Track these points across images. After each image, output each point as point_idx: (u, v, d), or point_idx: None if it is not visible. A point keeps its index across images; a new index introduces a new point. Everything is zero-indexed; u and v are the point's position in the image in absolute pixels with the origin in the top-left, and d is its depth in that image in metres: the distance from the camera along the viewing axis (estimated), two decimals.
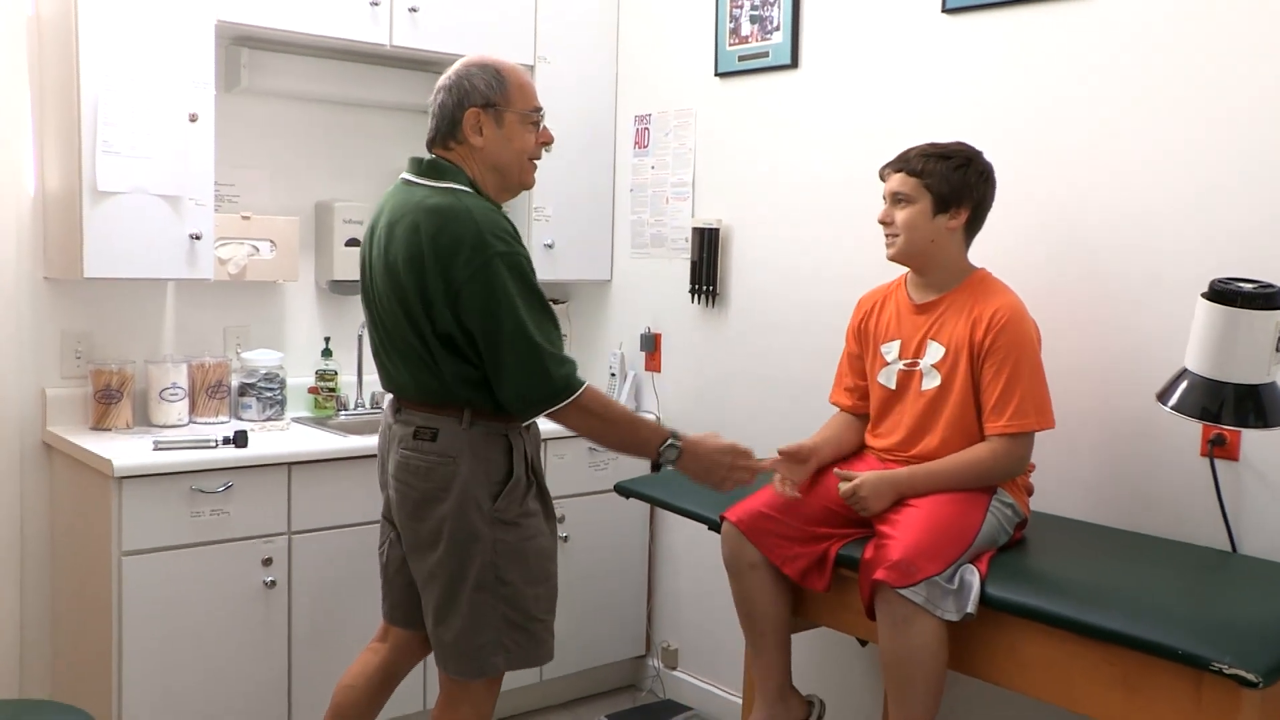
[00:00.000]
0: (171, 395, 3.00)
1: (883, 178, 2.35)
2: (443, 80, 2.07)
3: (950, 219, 2.27)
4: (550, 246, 3.46)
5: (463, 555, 2.03)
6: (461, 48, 3.28)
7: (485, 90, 2.03)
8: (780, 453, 2.29)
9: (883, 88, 2.91)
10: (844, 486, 2.22)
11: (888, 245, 2.33)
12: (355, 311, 3.45)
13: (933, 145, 2.31)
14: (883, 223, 2.33)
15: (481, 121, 2.03)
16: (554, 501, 2.21)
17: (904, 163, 2.30)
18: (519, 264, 1.96)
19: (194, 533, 2.63)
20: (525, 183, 2.13)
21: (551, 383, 1.97)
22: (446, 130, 2.05)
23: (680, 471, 2.10)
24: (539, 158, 2.13)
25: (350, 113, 3.43)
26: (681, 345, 3.49)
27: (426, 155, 2.11)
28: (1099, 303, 2.46)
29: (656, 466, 2.05)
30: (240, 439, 2.75)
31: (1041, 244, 2.56)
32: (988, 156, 2.35)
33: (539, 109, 2.09)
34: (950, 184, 2.25)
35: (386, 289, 2.06)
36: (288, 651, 2.81)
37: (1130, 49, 2.41)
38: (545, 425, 2.16)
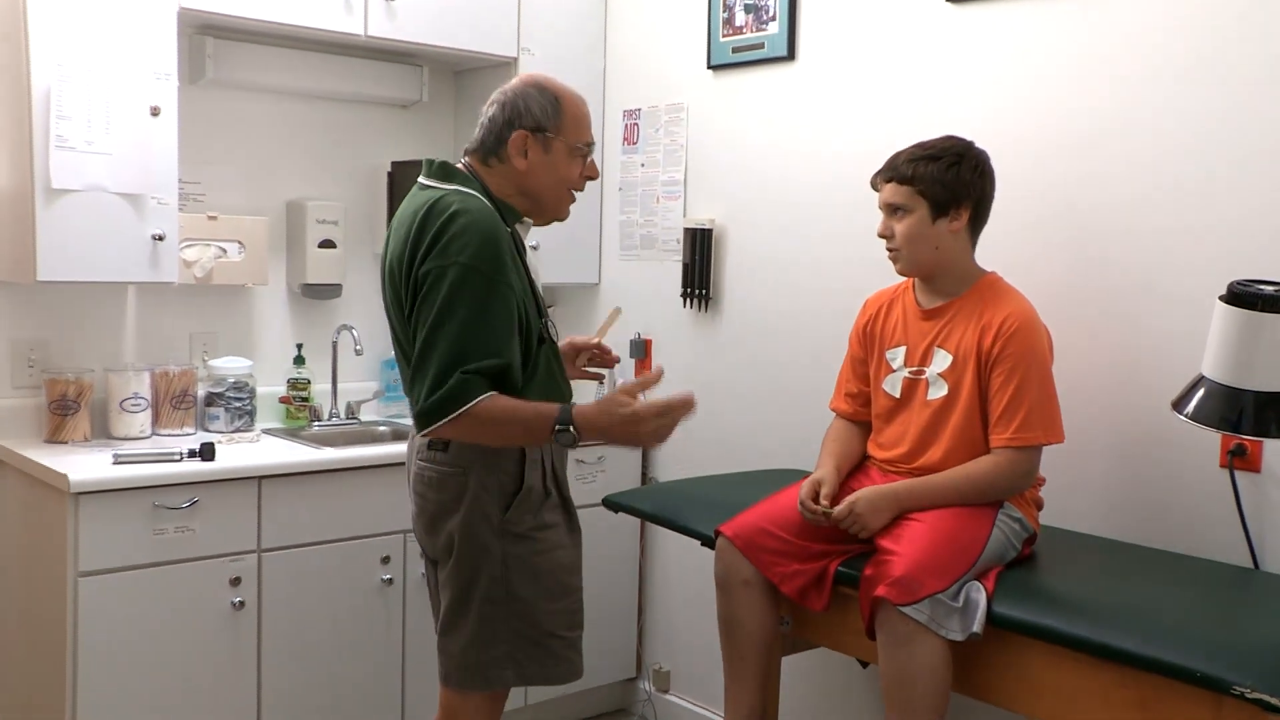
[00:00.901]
0: (133, 406, 2.98)
1: (875, 188, 2.34)
2: (497, 94, 2.11)
3: (951, 222, 2.26)
4: (535, 248, 3.45)
5: (472, 568, 2.04)
6: (441, 39, 3.28)
7: (539, 114, 2.06)
8: (823, 513, 2.23)
9: (885, 81, 2.90)
10: (838, 509, 2.21)
11: (892, 260, 2.33)
12: (329, 316, 3.44)
13: (920, 146, 2.30)
14: (882, 236, 2.32)
15: (529, 145, 2.06)
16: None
17: (893, 170, 2.29)
18: (481, 283, 1.93)
19: (157, 551, 2.61)
20: (560, 214, 2.16)
21: (417, 405, 1.94)
22: (491, 146, 2.08)
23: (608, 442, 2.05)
24: (580, 189, 2.16)
25: (323, 107, 3.42)
26: (673, 352, 3.48)
27: (437, 159, 2.14)
28: (1112, 306, 2.45)
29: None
30: (207, 452, 2.73)
31: (1052, 245, 2.55)
32: (995, 154, 2.35)
33: (591, 143, 2.12)
34: (945, 185, 2.24)
35: (389, 294, 2.10)
36: (257, 677, 2.78)
37: (1143, 39, 2.41)
38: None
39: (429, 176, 2.10)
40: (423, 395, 1.94)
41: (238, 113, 3.26)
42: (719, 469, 3.23)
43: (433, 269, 1.95)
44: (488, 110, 2.11)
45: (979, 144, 2.34)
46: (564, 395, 2.14)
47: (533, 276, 2.13)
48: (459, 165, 2.11)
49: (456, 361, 1.92)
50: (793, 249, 3.13)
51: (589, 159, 2.14)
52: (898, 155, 2.30)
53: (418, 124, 3.61)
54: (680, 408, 2.03)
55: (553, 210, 2.16)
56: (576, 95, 2.13)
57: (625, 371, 3.60)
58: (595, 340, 2.39)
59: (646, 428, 2.00)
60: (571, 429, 1.96)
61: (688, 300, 3.38)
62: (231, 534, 2.71)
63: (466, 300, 1.93)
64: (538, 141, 2.07)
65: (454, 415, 1.92)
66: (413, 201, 2.07)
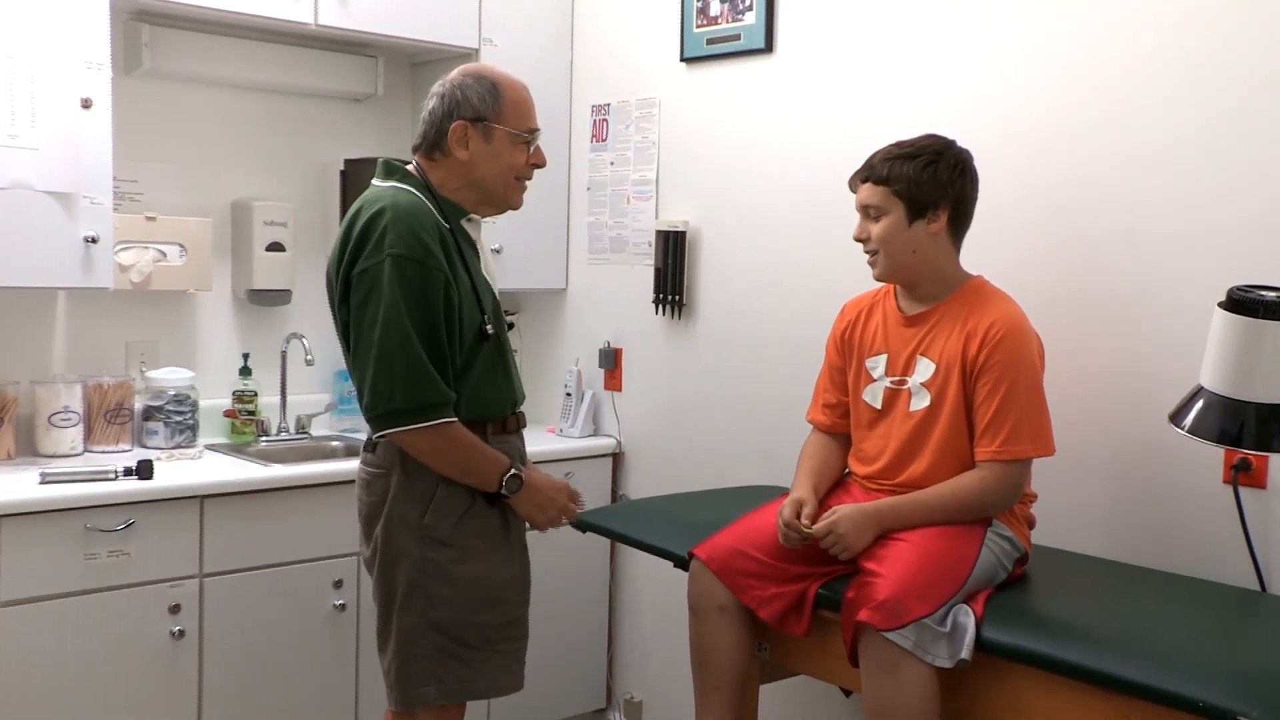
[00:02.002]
0: (63, 421, 2.95)
1: (852, 189, 2.35)
2: (436, 86, 2.19)
3: (929, 224, 2.26)
4: (498, 252, 3.43)
5: (392, 575, 2.13)
6: (396, 28, 3.26)
7: (477, 103, 2.14)
8: (802, 534, 2.23)
9: (868, 74, 2.90)
10: (817, 528, 2.20)
11: (870, 264, 2.33)
12: (277, 324, 3.41)
13: (897, 145, 2.30)
14: (859, 240, 2.33)
15: (469, 135, 2.14)
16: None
17: (869, 170, 2.30)
18: (416, 271, 2.03)
19: (89, 578, 2.58)
20: (511, 202, 2.24)
21: (380, 402, 2.05)
22: (433, 139, 2.16)
23: (512, 505, 2.18)
24: (529, 178, 2.23)
25: (271, 100, 3.39)
26: (645, 362, 3.46)
27: (384, 158, 2.23)
28: (1108, 312, 2.45)
29: (492, 499, 2.16)
30: (144, 469, 2.71)
31: (1043, 248, 2.54)
32: (985, 151, 2.34)
33: (533, 129, 2.20)
34: (921, 185, 2.24)
35: (330, 298, 2.18)
36: (198, 713, 2.75)
37: (1142, 29, 2.41)
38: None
39: (377, 176, 2.18)
40: (393, 395, 2.02)
41: (178, 106, 3.23)
42: (692, 486, 3.21)
43: (368, 266, 2.04)
44: (427, 104, 2.19)
45: (968, 141, 2.34)
46: (503, 396, 2.20)
47: (483, 274, 2.19)
48: (408, 165, 2.19)
49: (415, 363, 2.01)
50: (771, 252, 3.12)
51: (534, 145, 2.20)
52: (874, 155, 2.31)
53: (372, 119, 3.59)
54: (571, 508, 2.25)
55: (503, 199, 2.22)
56: (516, 81, 2.20)
57: (595, 382, 3.58)
58: None
59: (560, 500, 2.21)
60: (517, 479, 2.12)
61: (660, 306, 3.36)
62: (171, 558, 2.69)
63: (407, 291, 2.01)
64: (478, 130, 2.14)
65: (421, 426, 2.02)
66: (355, 204, 2.15)
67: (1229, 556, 2.26)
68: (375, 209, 2.06)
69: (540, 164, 2.23)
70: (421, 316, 2.03)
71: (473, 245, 2.20)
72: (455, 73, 2.19)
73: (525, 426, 2.30)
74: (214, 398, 3.28)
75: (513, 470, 2.12)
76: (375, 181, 2.17)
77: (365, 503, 2.18)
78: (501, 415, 2.20)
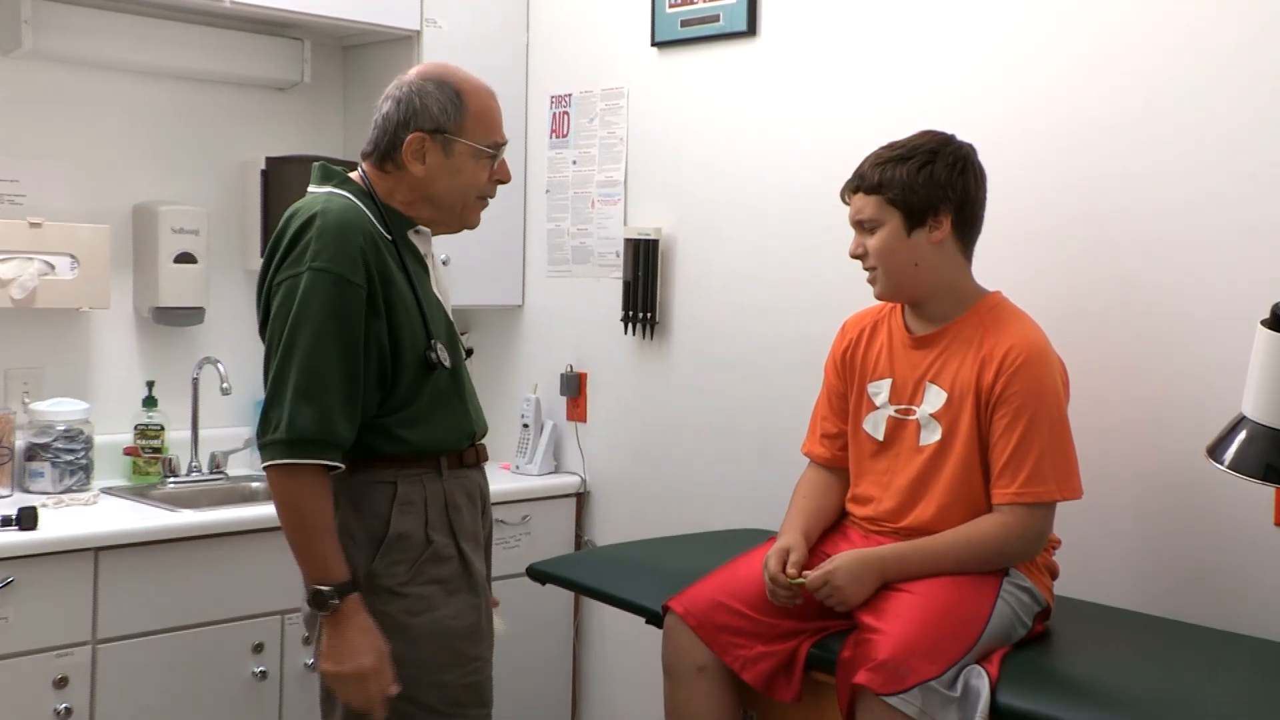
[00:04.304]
0: None
1: (844, 201, 2.37)
2: (392, 88, 2.19)
3: (931, 232, 2.28)
4: (445, 263, 3.42)
5: None
6: (325, 7, 3.28)
7: (437, 113, 2.14)
8: (793, 586, 2.23)
9: (865, 60, 2.93)
10: (812, 578, 2.20)
11: (870, 282, 2.35)
12: (187, 347, 3.40)
13: (888, 147, 2.32)
14: (855, 257, 2.35)
15: (426, 149, 2.15)
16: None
17: (858, 179, 2.32)
18: (338, 288, 2.04)
19: None
20: (467, 222, 2.26)
21: (265, 431, 2.04)
22: (385, 150, 2.17)
23: (319, 642, 2.09)
24: (491, 195, 2.26)
25: (179, 89, 3.39)
26: (613, 388, 3.46)
27: (320, 161, 2.24)
28: (1139, 332, 2.47)
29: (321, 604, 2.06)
30: (26, 518, 2.69)
31: (1061, 261, 2.57)
32: (997, 148, 2.36)
33: (499, 143, 2.21)
34: (916, 190, 2.26)
35: (257, 312, 2.19)
36: None
37: (1172, 15, 2.44)
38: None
39: (313, 181, 2.20)
40: (279, 423, 2.02)
41: (68, 94, 3.22)
42: (667, 530, 3.20)
43: (286, 277, 2.06)
44: (382, 106, 2.19)
45: (976, 137, 2.36)
46: (459, 426, 2.21)
47: (431, 292, 2.20)
48: (352, 172, 2.20)
49: (312, 390, 2.02)
50: (756, 263, 3.13)
51: (499, 160, 2.22)
52: (865, 160, 2.33)
53: (298, 110, 3.59)
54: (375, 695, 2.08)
55: (459, 220, 2.25)
56: (483, 88, 2.21)
57: (556, 412, 3.58)
58: None
59: (373, 685, 2.05)
60: (335, 600, 2.02)
61: (630, 325, 3.37)
62: (58, 623, 2.66)
63: (320, 310, 2.03)
64: (437, 144, 2.15)
65: (291, 461, 2.01)
66: (288, 211, 2.17)
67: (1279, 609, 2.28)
68: (306, 216, 2.08)
69: (505, 180, 2.25)
70: (336, 339, 2.03)
71: (420, 260, 2.21)
72: (414, 74, 2.19)
73: (487, 460, 2.30)
74: (112, 433, 3.26)
75: (334, 589, 2.01)
76: (310, 188, 2.19)
77: None
78: (458, 448, 2.21)
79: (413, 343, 2.12)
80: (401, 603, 2.11)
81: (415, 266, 2.18)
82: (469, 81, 2.19)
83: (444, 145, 2.15)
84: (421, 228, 2.22)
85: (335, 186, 2.15)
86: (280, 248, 2.09)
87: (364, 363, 2.06)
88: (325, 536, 2.05)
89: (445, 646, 2.14)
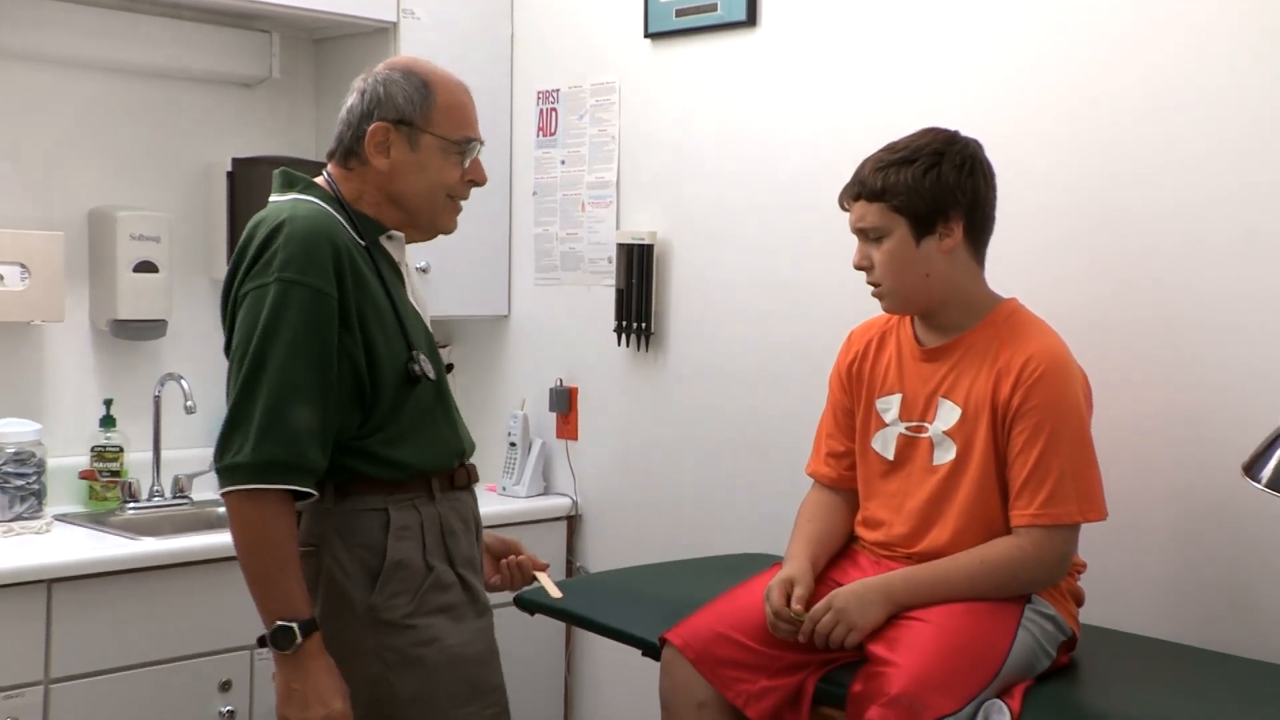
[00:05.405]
0: None
1: (844, 208, 2.37)
2: (358, 80, 2.20)
3: (942, 239, 2.28)
4: (424, 271, 3.43)
5: (342, 675, 2.06)
6: None
7: (402, 102, 2.14)
8: (795, 618, 2.24)
9: (870, 51, 2.93)
10: (815, 609, 2.20)
11: (877, 297, 2.35)
12: (147, 363, 3.40)
13: (889, 149, 2.32)
14: (859, 268, 2.35)
15: (390, 140, 2.15)
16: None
17: (859, 185, 2.31)
18: (307, 300, 2.03)
19: None
20: (441, 225, 2.25)
21: (226, 453, 2.02)
22: (349, 144, 2.17)
23: (274, 677, 2.06)
24: (464, 197, 2.24)
25: (139, 86, 3.39)
26: (606, 403, 3.46)
27: (281, 166, 2.23)
28: (1167, 340, 2.47)
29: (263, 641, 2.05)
30: None
31: (1083, 265, 2.58)
32: (1011, 144, 2.37)
33: (471, 140, 2.20)
34: (924, 195, 2.26)
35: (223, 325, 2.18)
36: None
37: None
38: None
39: (273, 190, 2.20)
40: (242, 445, 2.00)
41: (16, 91, 3.22)
42: (664, 555, 3.19)
43: (252, 288, 2.05)
44: (346, 100, 2.20)
45: (989, 132, 2.37)
46: (447, 445, 2.21)
47: (408, 302, 2.20)
48: (318, 176, 2.20)
49: (277, 410, 2.00)
50: (757, 268, 3.14)
51: (472, 158, 2.21)
52: (864, 164, 2.33)
53: (266, 108, 3.60)
54: None
55: (429, 222, 2.24)
56: (454, 81, 2.20)
57: (545, 430, 3.58)
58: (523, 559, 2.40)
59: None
60: (299, 639, 1.99)
61: (623, 336, 3.37)
62: (7, 661, 2.66)
63: (290, 323, 2.02)
64: (401, 136, 2.15)
65: (253, 487, 1.99)
66: (253, 219, 2.16)
67: None
68: (273, 224, 2.07)
69: (479, 181, 2.23)
70: (307, 355, 2.02)
71: (395, 267, 2.21)
72: (381, 66, 2.20)
73: (478, 481, 2.30)
74: (67, 455, 3.25)
75: (300, 626, 1.99)
76: (273, 197, 2.19)
77: None
78: (448, 468, 2.20)
79: (392, 356, 2.11)
80: (409, 635, 2.09)
81: (390, 274, 2.17)
82: (439, 73, 2.19)
83: (409, 138, 2.14)
84: (394, 233, 2.21)
85: (300, 193, 2.15)
86: (246, 258, 2.08)
87: (338, 379, 2.06)
88: (289, 568, 2.03)
89: (461, 677, 2.12)
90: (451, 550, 2.17)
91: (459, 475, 2.23)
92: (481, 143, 2.23)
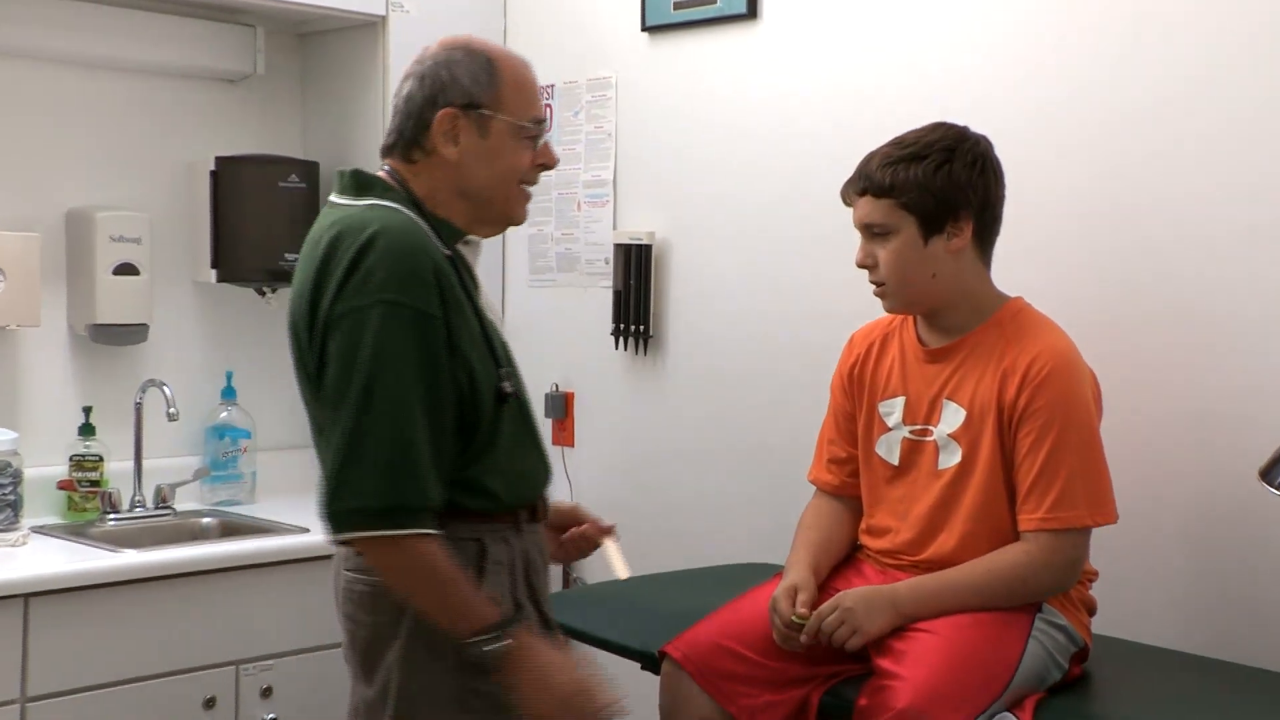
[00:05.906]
0: None
1: (846, 202, 2.37)
2: (411, 66, 2.10)
3: (950, 239, 2.28)
4: None
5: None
6: None
7: (469, 85, 2.05)
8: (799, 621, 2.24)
9: (875, 44, 2.94)
10: (820, 609, 2.20)
11: (879, 297, 2.35)
12: (130, 369, 3.39)
13: (896, 144, 2.32)
14: (862, 266, 2.35)
15: (459, 127, 2.05)
16: None
17: (866, 180, 2.31)
18: (415, 323, 1.95)
19: None
20: (512, 215, 2.17)
21: (343, 494, 1.95)
22: (411, 135, 2.08)
23: (510, 688, 2.02)
24: (534, 183, 2.16)
25: (118, 82, 3.39)
26: (603, 409, 3.47)
27: (348, 168, 2.13)
28: (1180, 339, 2.47)
29: (479, 665, 2.00)
30: None
31: (1091, 260, 2.58)
32: (1019, 138, 2.37)
33: (541, 119, 2.13)
34: (934, 193, 2.26)
35: (293, 351, 2.08)
36: None
37: None
38: None
39: (340, 192, 2.11)
40: (363, 488, 1.93)
41: None
42: (663, 565, 3.19)
43: (348, 310, 1.95)
44: (402, 88, 2.10)
45: (996, 125, 2.38)
46: (537, 472, 2.15)
47: (489, 315, 2.12)
48: (379, 172, 2.11)
49: (402, 448, 1.93)
50: (759, 269, 3.14)
51: (543, 140, 2.13)
52: (870, 158, 2.32)
53: (251, 105, 3.60)
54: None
55: (501, 214, 2.15)
56: (517, 57, 2.13)
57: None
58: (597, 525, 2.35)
59: (595, 705, 2.02)
60: (503, 639, 1.96)
61: (621, 340, 3.38)
62: None
63: (399, 351, 1.94)
64: (471, 121, 2.05)
65: (392, 534, 1.92)
66: (317, 228, 2.08)
67: None
68: (365, 235, 1.96)
69: (550, 164, 2.15)
70: (420, 385, 1.95)
71: (474, 277, 2.13)
72: (435, 46, 2.10)
73: (548, 516, 2.22)
74: (44, 465, 3.25)
75: (499, 627, 1.97)
76: (337, 199, 2.10)
77: (365, 624, 2.05)
78: (532, 500, 2.14)
79: (487, 377, 2.03)
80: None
81: (473, 285, 2.09)
82: (501, 50, 2.11)
83: (478, 123, 2.05)
84: (471, 237, 2.13)
85: (378, 198, 2.05)
86: (334, 275, 1.96)
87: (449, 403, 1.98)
88: (457, 588, 1.96)
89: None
90: (536, 587, 2.11)
91: (540, 508, 2.16)
92: (548, 123, 2.16)
